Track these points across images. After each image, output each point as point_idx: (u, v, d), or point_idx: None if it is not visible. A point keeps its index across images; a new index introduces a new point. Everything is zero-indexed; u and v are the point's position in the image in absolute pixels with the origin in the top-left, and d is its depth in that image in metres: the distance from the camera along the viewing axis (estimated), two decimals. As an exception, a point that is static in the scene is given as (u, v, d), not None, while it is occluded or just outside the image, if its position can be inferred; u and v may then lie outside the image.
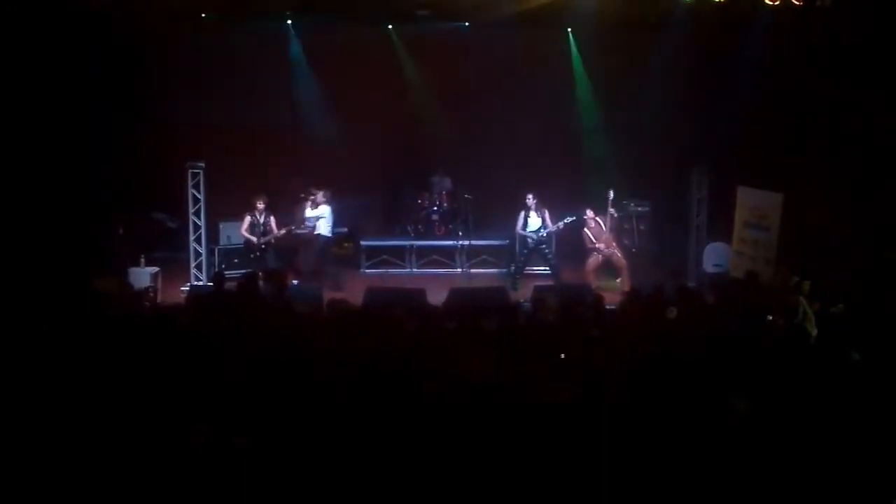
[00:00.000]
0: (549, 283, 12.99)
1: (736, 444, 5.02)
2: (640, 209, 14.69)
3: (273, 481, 4.61)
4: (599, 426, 5.22)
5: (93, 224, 12.68)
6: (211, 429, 4.96)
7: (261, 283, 9.27)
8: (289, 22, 14.82)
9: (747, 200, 12.87)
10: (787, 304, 8.92)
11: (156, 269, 12.81)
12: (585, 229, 13.04)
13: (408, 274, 14.44)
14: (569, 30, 15.20)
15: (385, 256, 14.79)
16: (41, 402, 5.43)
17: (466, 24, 14.87)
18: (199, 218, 13.28)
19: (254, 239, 12.93)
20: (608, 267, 13.24)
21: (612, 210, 13.08)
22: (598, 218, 13.03)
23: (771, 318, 8.61)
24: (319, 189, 13.32)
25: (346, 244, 15.05)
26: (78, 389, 5.65)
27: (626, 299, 9.47)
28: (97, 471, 4.67)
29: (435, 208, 15.15)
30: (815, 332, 8.62)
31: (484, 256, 14.69)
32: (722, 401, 5.31)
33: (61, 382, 5.76)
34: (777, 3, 12.49)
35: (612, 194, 13.08)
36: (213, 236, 13.68)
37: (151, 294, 11.58)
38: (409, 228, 15.25)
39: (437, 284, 12.53)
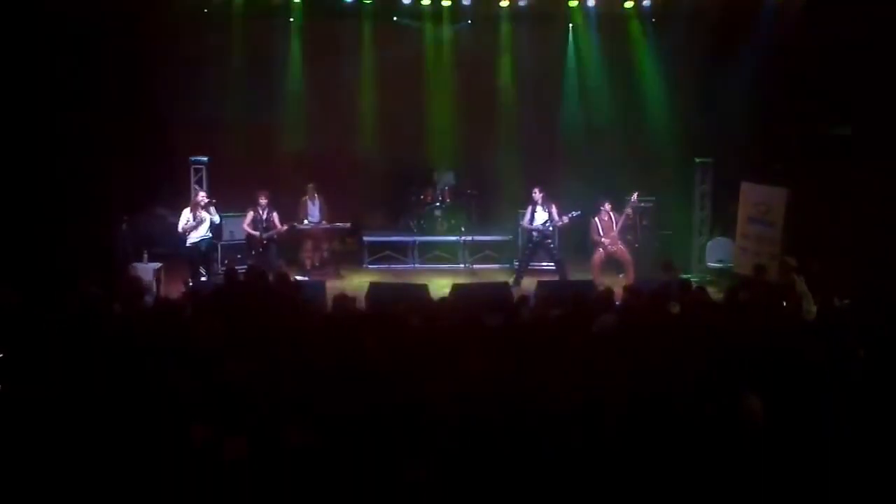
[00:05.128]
0: (554, 278, 12.92)
1: (749, 442, 4.98)
2: (643, 204, 14.64)
3: (274, 481, 4.59)
4: (605, 423, 5.20)
5: (96, 220, 12.65)
6: (211, 429, 4.93)
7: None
8: (291, 20, 14.76)
9: (751, 196, 12.82)
10: (786, 290, 8.91)
11: (158, 264, 12.78)
12: (596, 219, 12.90)
13: (411, 269, 14.40)
14: (570, 25, 15.16)
15: (388, 252, 14.76)
16: (39, 400, 5.41)
17: (469, 21, 14.91)
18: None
19: (256, 234, 12.93)
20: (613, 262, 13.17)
21: (630, 207, 12.99)
22: (613, 213, 12.93)
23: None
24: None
25: (348, 240, 15.02)
26: (77, 387, 5.64)
27: (626, 295, 9.44)
28: (95, 470, 4.64)
29: (438, 204, 15.11)
30: (813, 309, 8.64)
31: (486, 252, 14.65)
32: (734, 397, 5.26)
33: (61, 380, 5.75)
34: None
35: (635, 196, 13.00)
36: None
37: (154, 289, 11.58)
38: (411, 224, 15.21)
39: (440, 280, 12.51)
